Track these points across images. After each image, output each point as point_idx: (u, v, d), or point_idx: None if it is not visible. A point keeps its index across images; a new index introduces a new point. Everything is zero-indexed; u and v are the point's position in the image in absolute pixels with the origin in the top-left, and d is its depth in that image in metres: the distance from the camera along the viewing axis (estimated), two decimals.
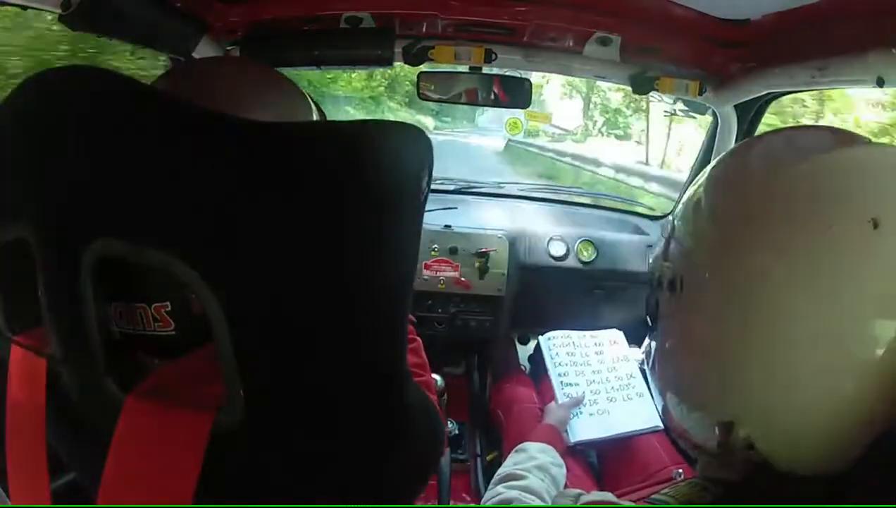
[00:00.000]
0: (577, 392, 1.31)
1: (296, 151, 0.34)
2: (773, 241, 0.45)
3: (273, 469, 0.37)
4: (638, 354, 1.46)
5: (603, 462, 1.28)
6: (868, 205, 0.43)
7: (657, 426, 1.22)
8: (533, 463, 1.01)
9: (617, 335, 1.49)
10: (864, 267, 0.43)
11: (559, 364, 1.40)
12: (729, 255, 0.48)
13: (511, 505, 0.87)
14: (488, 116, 12.39)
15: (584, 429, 1.23)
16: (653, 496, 0.56)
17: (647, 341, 0.65)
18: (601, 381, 1.35)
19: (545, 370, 1.41)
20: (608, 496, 0.64)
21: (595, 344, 1.46)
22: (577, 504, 0.60)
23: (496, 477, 1.00)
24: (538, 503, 0.88)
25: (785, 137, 0.56)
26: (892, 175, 0.45)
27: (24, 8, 0.73)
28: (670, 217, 0.59)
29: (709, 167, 0.56)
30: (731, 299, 0.47)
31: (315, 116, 0.50)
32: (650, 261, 0.63)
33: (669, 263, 0.56)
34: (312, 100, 0.52)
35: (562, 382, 1.35)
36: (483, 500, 0.96)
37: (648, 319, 0.62)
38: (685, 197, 0.57)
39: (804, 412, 0.44)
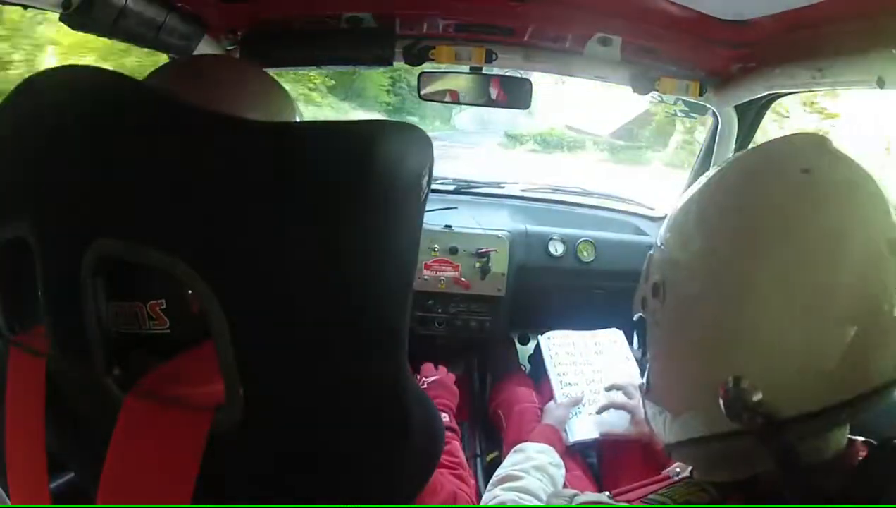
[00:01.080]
0: (577, 392, 1.31)
1: (296, 151, 0.34)
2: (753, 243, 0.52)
3: (272, 470, 0.37)
4: (637, 354, 1.46)
5: (602, 461, 1.28)
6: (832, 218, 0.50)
7: None
8: (531, 464, 1.01)
9: (617, 335, 1.49)
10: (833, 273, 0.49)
11: (559, 364, 1.40)
12: (710, 254, 0.54)
13: (508, 506, 0.87)
14: (470, 114, 10.81)
15: (583, 429, 1.23)
16: (650, 495, 0.56)
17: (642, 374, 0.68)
18: (601, 381, 1.35)
19: (545, 369, 1.41)
20: (602, 497, 0.65)
21: (595, 344, 1.46)
22: (572, 505, 0.60)
23: (494, 478, 1.00)
24: (535, 503, 0.88)
25: (763, 153, 0.61)
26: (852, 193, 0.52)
27: (25, 7, 0.73)
28: (649, 253, 0.64)
29: (700, 190, 0.60)
30: (720, 291, 0.53)
31: (297, 117, 0.51)
32: (633, 302, 0.67)
33: (654, 276, 0.60)
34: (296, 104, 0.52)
35: (561, 381, 1.35)
36: (482, 502, 0.96)
37: (638, 342, 0.66)
38: (669, 213, 0.62)
39: (792, 357, 0.50)
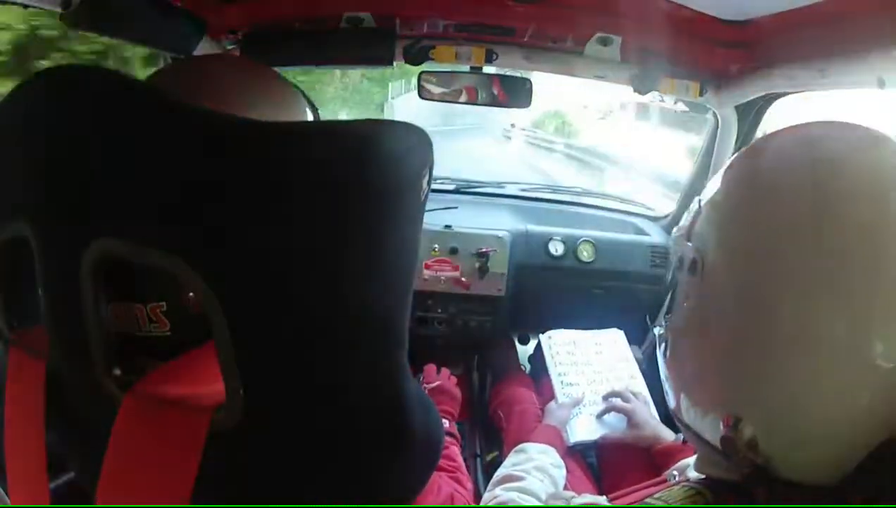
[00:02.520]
0: (578, 392, 1.31)
1: (297, 151, 0.34)
2: (800, 248, 0.45)
3: (272, 470, 0.37)
4: (638, 353, 1.46)
5: (602, 462, 1.28)
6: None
7: None
8: (532, 464, 1.01)
9: (617, 335, 1.49)
10: (886, 280, 0.43)
11: (559, 364, 1.40)
12: (754, 252, 0.48)
13: (507, 506, 0.88)
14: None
15: (583, 429, 1.23)
16: (647, 499, 0.56)
17: (657, 329, 0.64)
18: (601, 381, 1.35)
19: (545, 369, 1.41)
20: (600, 499, 0.64)
21: (595, 344, 1.47)
22: (570, 506, 0.60)
23: (495, 479, 1.00)
24: (535, 503, 0.88)
25: (823, 133, 0.53)
26: None
27: (25, 7, 0.73)
28: (697, 198, 0.58)
29: (744, 154, 0.56)
30: (752, 296, 0.47)
31: (310, 116, 0.50)
32: (672, 236, 0.62)
33: (692, 243, 0.54)
34: (308, 99, 0.52)
35: (562, 382, 1.35)
36: (482, 502, 0.96)
37: (669, 299, 0.61)
38: (716, 184, 0.56)
39: (812, 419, 0.45)
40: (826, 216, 0.45)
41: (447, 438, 1.06)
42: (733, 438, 0.47)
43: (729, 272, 0.50)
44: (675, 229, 0.63)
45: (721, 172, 0.56)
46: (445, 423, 1.12)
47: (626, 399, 1.23)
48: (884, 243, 0.43)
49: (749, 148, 0.57)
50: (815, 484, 0.46)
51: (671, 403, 0.60)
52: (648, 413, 1.22)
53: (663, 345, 0.61)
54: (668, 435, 1.13)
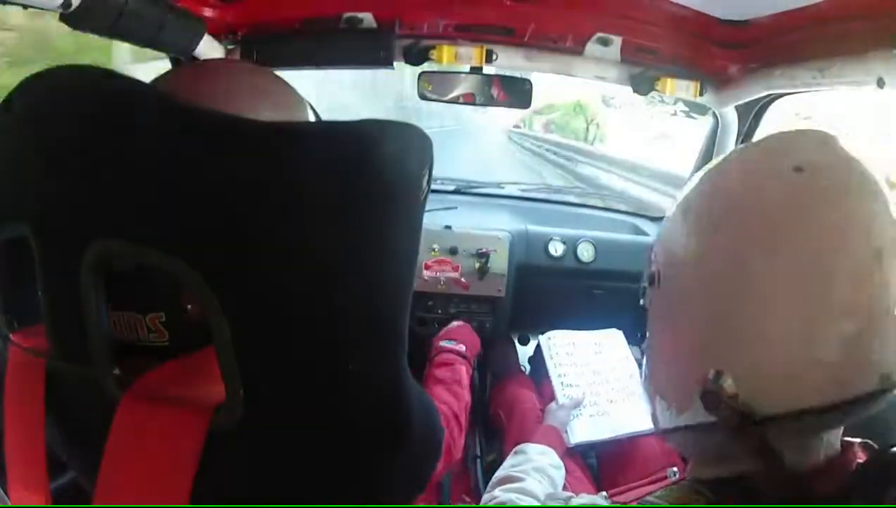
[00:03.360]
0: (578, 393, 1.31)
1: (297, 152, 0.34)
2: (748, 240, 0.52)
3: (271, 470, 0.37)
4: (637, 354, 1.46)
5: (602, 462, 1.28)
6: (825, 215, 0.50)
7: None
8: (531, 465, 1.01)
9: (617, 335, 1.49)
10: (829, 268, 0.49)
11: (559, 365, 1.40)
12: (702, 249, 0.55)
13: (506, 506, 0.87)
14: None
15: (583, 430, 1.23)
16: (645, 497, 0.56)
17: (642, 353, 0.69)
18: (601, 382, 1.35)
19: (545, 370, 1.41)
20: (598, 499, 0.65)
21: (595, 344, 1.46)
22: (568, 506, 0.61)
23: (494, 479, 1.00)
24: (534, 503, 0.88)
25: (761, 148, 0.59)
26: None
27: (25, 7, 0.73)
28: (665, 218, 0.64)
29: (694, 177, 0.61)
30: (710, 286, 0.53)
31: (311, 118, 0.50)
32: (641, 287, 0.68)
33: (651, 266, 0.62)
34: (310, 105, 0.51)
35: (562, 383, 1.35)
36: (481, 502, 0.96)
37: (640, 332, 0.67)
38: (672, 205, 0.62)
39: (776, 355, 0.50)
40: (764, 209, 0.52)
41: (459, 359, 1.16)
42: (715, 390, 0.51)
43: (686, 261, 0.57)
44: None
45: (686, 188, 0.61)
46: (462, 348, 1.21)
47: None
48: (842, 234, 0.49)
49: (706, 171, 0.61)
50: (798, 410, 0.50)
51: (657, 421, 0.63)
52: None
53: (645, 372, 0.66)
54: None
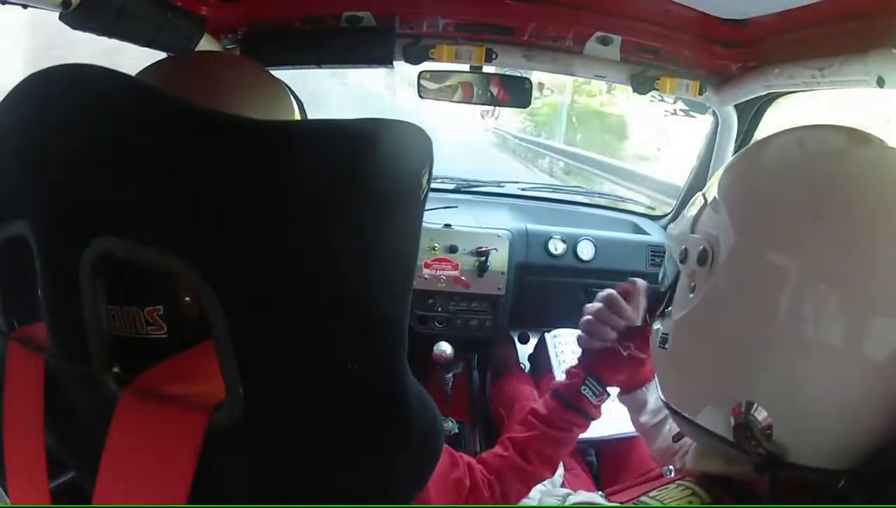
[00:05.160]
0: None
1: (296, 150, 0.34)
2: (816, 238, 0.47)
3: (271, 470, 0.38)
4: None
5: (601, 460, 1.28)
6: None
7: None
8: None
9: None
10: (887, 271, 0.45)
11: (563, 363, 1.40)
12: (771, 243, 0.49)
13: (502, 506, 0.87)
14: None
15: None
16: (641, 497, 0.56)
17: (655, 325, 0.65)
18: None
19: (546, 367, 1.41)
20: (595, 496, 0.64)
21: None
22: (565, 505, 0.60)
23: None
24: (530, 503, 0.88)
25: (839, 132, 0.55)
26: None
27: (25, 7, 0.73)
28: (700, 193, 0.60)
29: (757, 148, 0.58)
30: (765, 284, 0.48)
31: (297, 115, 0.50)
32: (670, 232, 0.63)
33: (699, 236, 0.55)
34: (296, 99, 0.51)
35: None
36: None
37: (668, 294, 0.62)
38: (725, 175, 0.57)
39: (818, 404, 0.46)
40: (841, 210, 0.47)
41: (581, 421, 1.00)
42: (748, 424, 0.48)
43: (744, 261, 0.51)
44: (671, 226, 0.64)
45: (730, 166, 0.58)
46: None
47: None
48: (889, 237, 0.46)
49: (761, 142, 0.58)
50: (824, 468, 0.47)
51: (669, 398, 0.60)
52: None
53: (659, 341, 0.61)
54: None
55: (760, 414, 0.48)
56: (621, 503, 0.56)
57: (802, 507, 0.48)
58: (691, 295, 0.56)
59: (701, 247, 0.54)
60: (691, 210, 0.60)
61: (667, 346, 0.60)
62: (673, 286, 0.61)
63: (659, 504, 0.52)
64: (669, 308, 0.61)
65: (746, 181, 0.56)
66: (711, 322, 0.53)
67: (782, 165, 0.54)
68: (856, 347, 0.45)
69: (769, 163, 0.56)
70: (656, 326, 0.64)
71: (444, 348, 1.40)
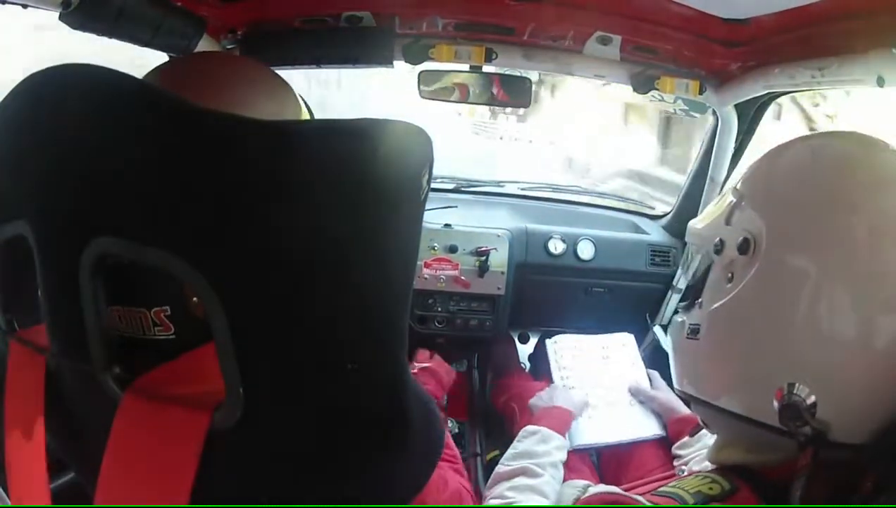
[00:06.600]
0: (581, 396, 1.30)
1: (297, 150, 0.34)
2: (858, 225, 0.51)
3: (271, 469, 0.38)
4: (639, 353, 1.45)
5: (601, 462, 1.28)
6: None
7: (658, 435, 1.22)
8: (548, 460, 1.00)
9: (626, 339, 1.46)
10: None
11: (563, 368, 1.39)
12: (814, 230, 0.53)
13: (516, 506, 0.87)
14: None
15: (584, 434, 1.22)
16: (660, 488, 0.56)
17: (677, 317, 0.67)
18: (606, 387, 1.34)
19: (547, 371, 1.40)
20: (614, 488, 0.65)
21: (602, 348, 1.44)
22: (576, 506, 0.60)
23: (506, 460, 1.00)
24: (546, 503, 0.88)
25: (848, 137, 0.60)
26: None
27: (25, 6, 0.72)
28: (733, 187, 0.62)
29: (798, 144, 0.62)
30: (810, 268, 0.52)
31: (305, 115, 0.50)
32: (696, 226, 0.66)
33: (734, 226, 0.59)
34: (302, 99, 0.51)
35: (564, 385, 1.34)
36: (492, 482, 0.96)
37: (697, 285, 0.64)
38: (765, 166, 0.61)
39: (861, 380, 0.49)
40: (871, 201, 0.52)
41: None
42: (795, 404, 0.50)
43: (788, 248, 0.54)
44: (694, 222, 0.66)
45: (766, 163, 0.61)
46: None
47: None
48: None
49: (803, 139, 0.61)
50: (859, 444, 0.49)
51: (698, 388, 0.62)
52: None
53: (688, 332, 0.63)
54: (683, 409, 1.17)
55: (805, 394, 0.50)
56: (641, 494, 0.56)
57: (816, 507, 0.49)
58: (728, 285, 0.58)
59: (742, 237, 0.57)
60: (720, 206, 0.63)
61: (699, 336, 0.62)
62: (703, 279, 0.63)
63: (682, 493, 0.53)
64: (700, 299, 0.63)
65: (787, 176, 0.59)
66: (755, 308, 0.56)
67: (823, 162, 0.57)
68: (890, 326, 0.49)
69: (808, 158, 0.59)
70: (680, 318, 0.66)
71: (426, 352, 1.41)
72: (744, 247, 0.57)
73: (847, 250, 0.51)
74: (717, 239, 0.60)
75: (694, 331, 0.62)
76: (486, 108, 7.12)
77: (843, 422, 0.50)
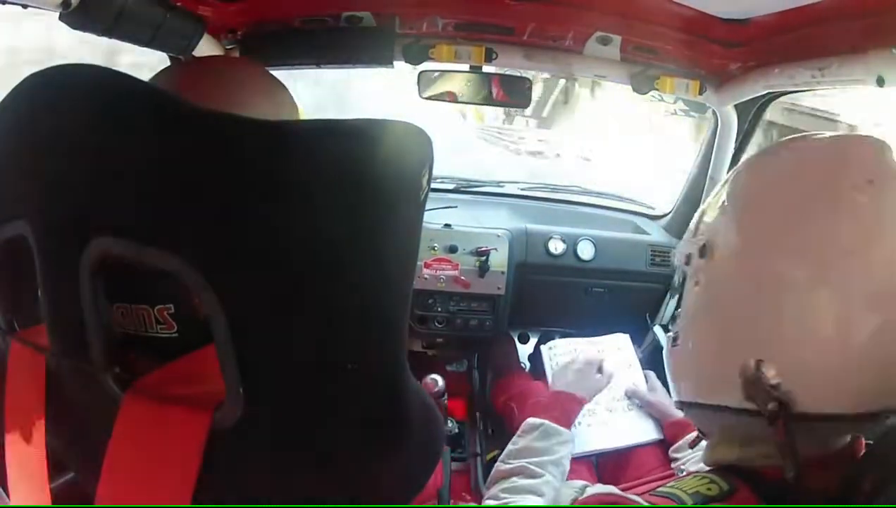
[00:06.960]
0: None
1: (294, 149, 0.34)
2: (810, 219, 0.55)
3: (272, 469, 0.38)
4: (639, 353, 1.44)
5: (598, 465, 1.28)
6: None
7: (656, 439, 1.22)
8: (549, 458, 0.99)
9: (622, 341, 1.44)
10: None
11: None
12: (760, 226, 0.58)
13: (513, 506, 0.87)
14: None
15: (582, 441, 1.20)
16: (659, 488, 0.56)
17: (671, 332, 0.70)
18: (603, 391, 1.33)
19: (544, 379, 1.39)
20: (612, 489, 0.65)
21: (598, 351, 1.43)
22: (573, 506, 0.61)
23: (508, 460, 0.99)
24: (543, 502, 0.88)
25: (834, 149, 0.62)
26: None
27: (24, 7, 0.73)
28: (700, 209, 0.68)
29: (746, 163, 0.68)
30: (760, 262, 0.56)
31: (302, 116, 0.50)
32: (678, 249, 0.71)
33: (698, 236, 0.64)
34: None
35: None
36: (490, 481, 0.96)
37: (678, 301, 0.69)
38: (724, 188, 0.65)
39: (822, 352, 0.52)
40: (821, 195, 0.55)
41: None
42: (759, 377, 0.53)
43: (737, 244, 0.59)
44: (679, 243, 0.71)
45: (725, 182, 0.66)
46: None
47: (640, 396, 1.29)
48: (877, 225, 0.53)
49: (754, 156, 0.67)
50: (828, 414, 0.52)
51: (686, 392, 0.65)
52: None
53: (671, 342, 0.68)
54: (678, 413, 1.16)
55: (768, 369, 0.53)
56: (639, 494, 0.56)
57: (808, 507, 0.49)
58: (696, 288, 0.63)
59: (702, 243, 0.62)
60: (691, 224, 0.68)
61: (678, 342, 0.66)
62: (681, 293, 0.68)
63: (680, 493, 0.53)
64: (678, 310, 0.68)
65: (735, 182, 0.64)
66: (715, 300, 0.61)
67: (775, 168, 0.62)
68: (844, 300, 0.52)
69: (761, 166, 0.65)
70: (670, 334, 0.70)
71: (436, 377, 1.38)
72: (703, 251, 0.62)
73: (795, 236, 0.55)
74: (687, 253, 0.66)
75: (674, 340, 0.68)
76: (499, 110, 6.71)
77: (807, 393, 0.52)
